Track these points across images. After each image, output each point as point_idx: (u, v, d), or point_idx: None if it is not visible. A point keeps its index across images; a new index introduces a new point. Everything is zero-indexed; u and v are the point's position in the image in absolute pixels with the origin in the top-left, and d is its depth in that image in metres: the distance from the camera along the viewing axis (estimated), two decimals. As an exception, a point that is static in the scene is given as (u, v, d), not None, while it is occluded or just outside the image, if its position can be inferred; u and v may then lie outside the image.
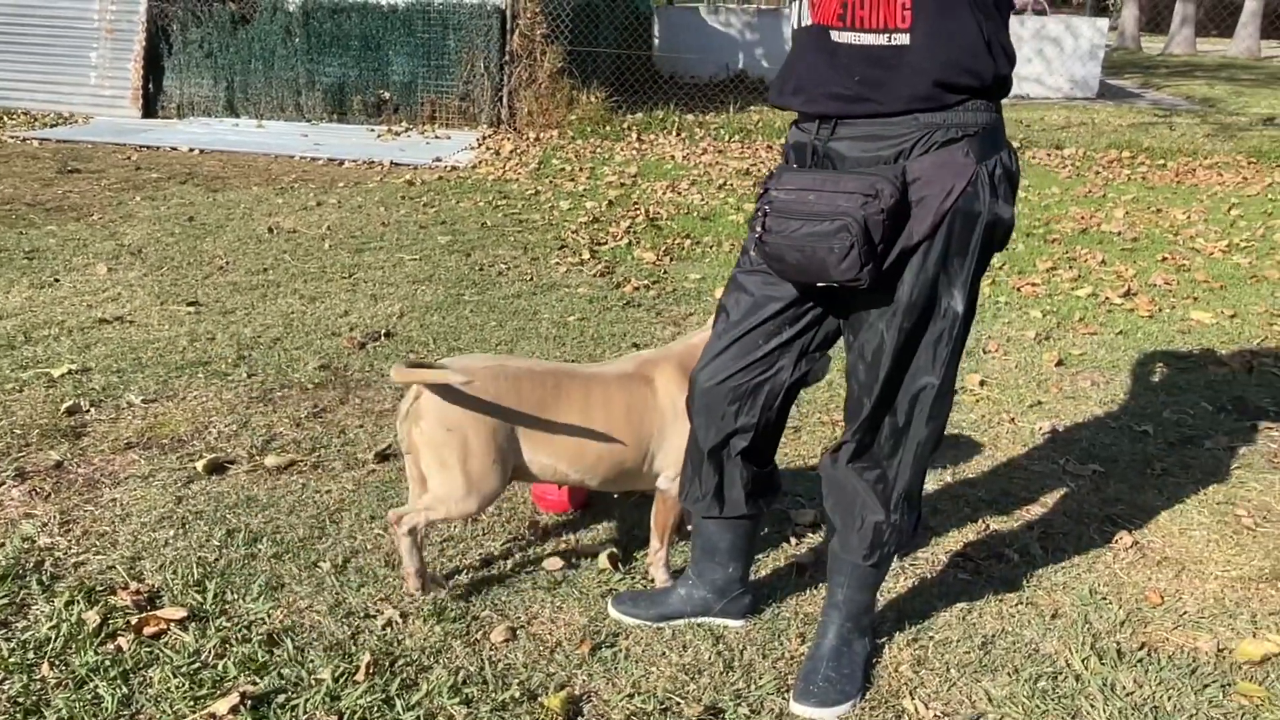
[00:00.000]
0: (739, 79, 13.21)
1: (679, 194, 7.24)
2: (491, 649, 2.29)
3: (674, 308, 4.79)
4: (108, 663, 2.18)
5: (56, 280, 4.88)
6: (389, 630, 2.34)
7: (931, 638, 2.40)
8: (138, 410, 3.47)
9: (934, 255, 1.81)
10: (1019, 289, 5.20)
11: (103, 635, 2.27)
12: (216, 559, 2.60)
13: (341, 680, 2.15)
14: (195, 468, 3.07)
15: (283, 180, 7.41)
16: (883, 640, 2.36)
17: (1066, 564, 2.73)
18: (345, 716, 2.05)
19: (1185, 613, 2.53)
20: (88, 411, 3.44)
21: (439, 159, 8.37)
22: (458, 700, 2.11)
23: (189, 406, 3.52)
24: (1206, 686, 2.24)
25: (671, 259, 5.61)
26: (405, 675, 2.18)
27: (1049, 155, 9.17)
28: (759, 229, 1.87)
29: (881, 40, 1.75)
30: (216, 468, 3.09)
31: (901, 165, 1.78)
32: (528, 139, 9.38)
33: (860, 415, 1.99)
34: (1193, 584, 2.65)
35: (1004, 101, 1.89)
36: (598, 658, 2.27)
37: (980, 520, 2.93)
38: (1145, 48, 26.42)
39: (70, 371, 3.76)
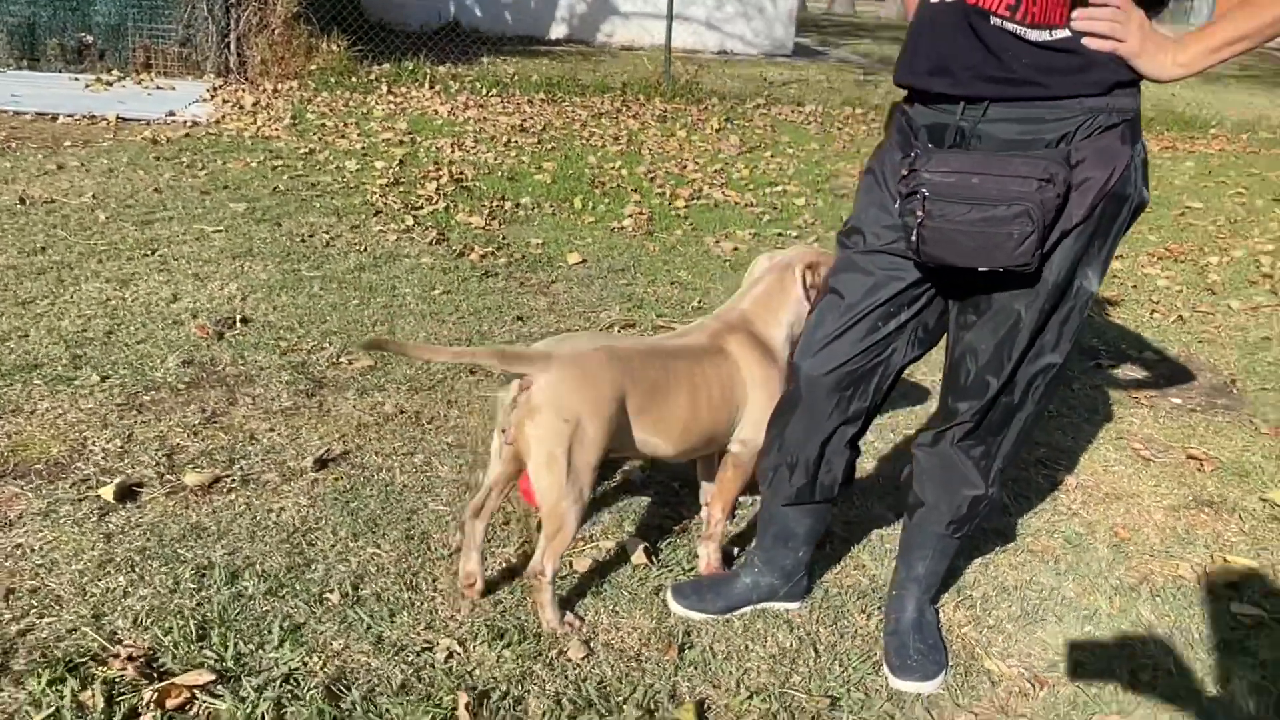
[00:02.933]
0: (453, 28, 12.75)
1: (468, 152, 6.92)
2: (576, 668, 2.12)
3: (532, 275, 4.59)
4: (149, 752, 1.79)
5: None
6: (453, 662, 2.10)
7: (970, 595, 2.49)
8: (-21, 431, 2.85)
9: (1084, 237, 1.84)
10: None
11: (119, 718, 1.86)
12: (198, 605, 2.20)
13: (444, 728, 1.91)
14: (101, 496, 2.58)
15: (-8, 138, 6.30)
16: (938, 604, 2.42)
17: (1036, 509, 2.93)
18: (471, 769, 1.82)
19: (1153, 545, 2.79)
20: (-87, 437, 2.79)
21: (172, 113, 7.45)
22: (582, 730, 1.93)
23: (46, 421, 2.93)
24: (1210, 611, 2.49)
25: (500, 223, 5.37)
26: (504, 710, 1.97)
27: (793, 112, 9.65)
28: (919, 213, 1.81)
29: (1044, 35, 1.74)
30: (127, 493, 2.61)
31: (1066, 149, 1.78)
32: (265, 90, 8.57)
33: (984, 395, 1.99)
34: (1143, 517, 2.93)
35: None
36: (688, 660, 2.17)
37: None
38: (811, 8, 28.42)
39: None
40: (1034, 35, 1.75)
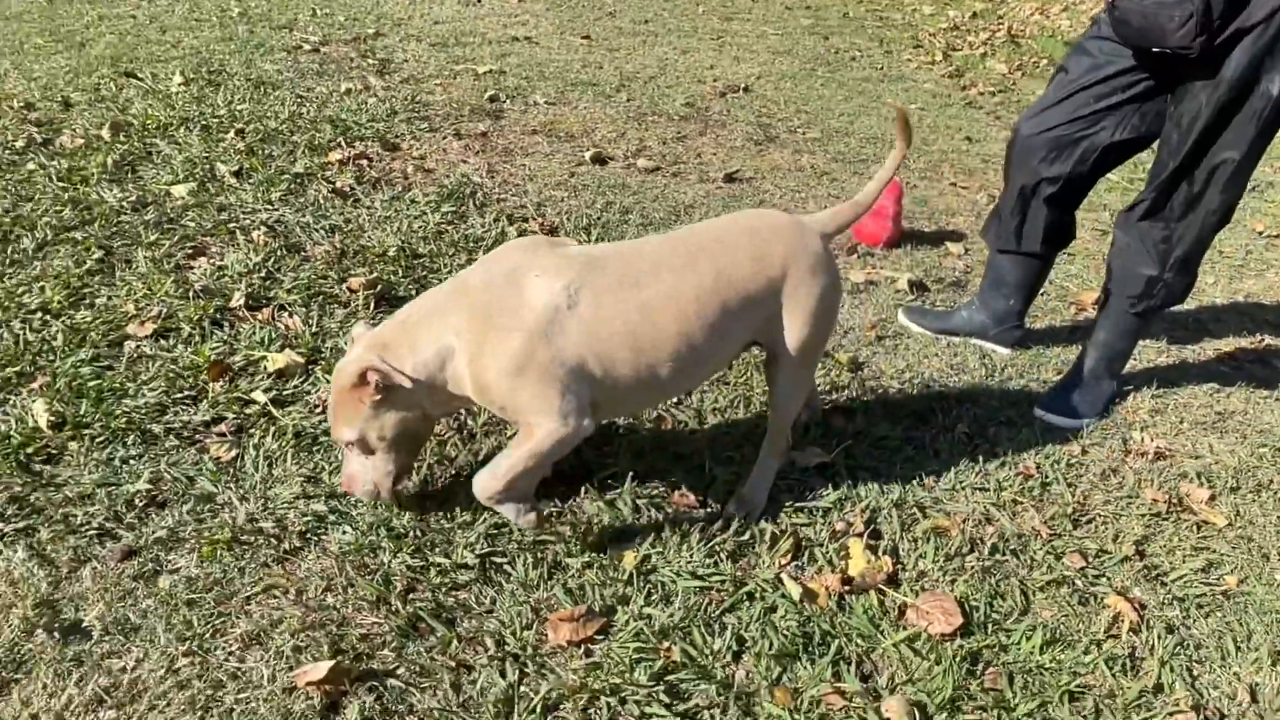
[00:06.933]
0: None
1: (1048, 17, 7.13)
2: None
3: (1014, 117, 4.98)
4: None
5: (479, 1, 5.73)
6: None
7: (1175, 398, 2.73)
8: (541, 109, 4.23)
9: (1265, 39, 2.06)
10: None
11: (517, 245, 3.04)
12: (598, 217, 3.31)
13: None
14: (584, 156, 3.79)
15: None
16: (1129, 388, 2.72)
17: (1331, 381, 2.92)
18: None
19: None
20: (504, 102, 4.24)
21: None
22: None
23: (580, 114, 4.24)
24: None
25: (1024, 74, 5.71)
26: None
27: None
28: (1112, -4, 2.18)
29: None
30: (600, 159, 3.79)
31: (1251, -49, 2.02)
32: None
33: (1160, 176, 2.30)
34: None
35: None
36: (881, 344, 2.79)
37: (1257, 334, 3.14)
38: None
39: (491, 71, 4.58)
40: None
